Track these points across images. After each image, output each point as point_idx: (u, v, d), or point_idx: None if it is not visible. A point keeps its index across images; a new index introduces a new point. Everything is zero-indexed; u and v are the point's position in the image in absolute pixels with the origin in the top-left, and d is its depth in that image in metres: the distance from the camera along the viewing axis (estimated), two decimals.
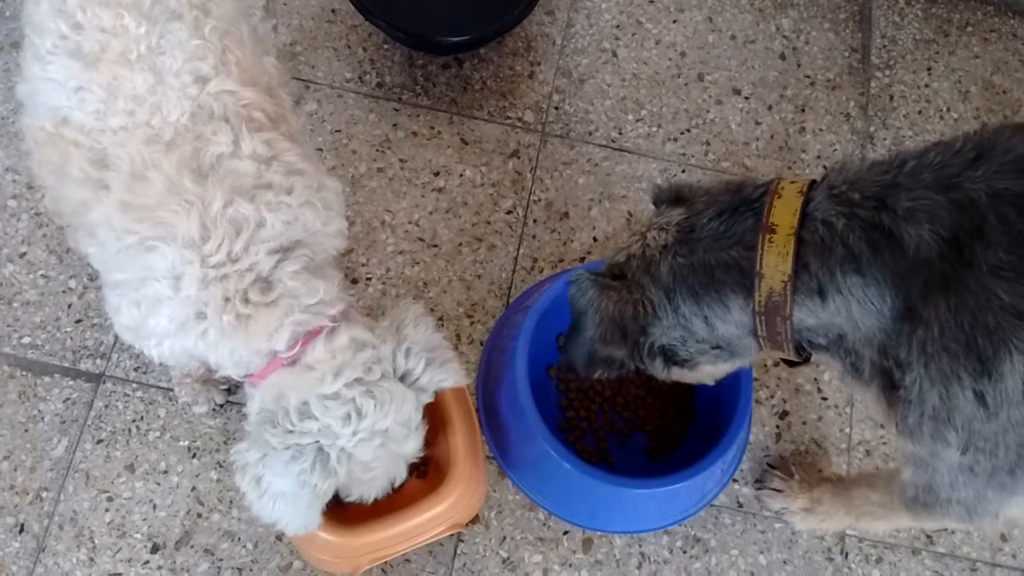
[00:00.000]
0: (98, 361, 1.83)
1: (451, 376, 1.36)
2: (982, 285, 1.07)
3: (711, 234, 1.23)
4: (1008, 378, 1.08)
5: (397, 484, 1.44)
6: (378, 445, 1.28)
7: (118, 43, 1.21)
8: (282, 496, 1.25)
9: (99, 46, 1.21)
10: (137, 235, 1.19)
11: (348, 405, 1.23)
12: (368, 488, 1.38)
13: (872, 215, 1.13)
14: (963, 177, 1.11)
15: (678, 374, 1.39)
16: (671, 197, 1.35)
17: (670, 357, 1.33)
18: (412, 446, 1.35)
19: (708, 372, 1.40)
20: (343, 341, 1.27)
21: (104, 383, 1.82)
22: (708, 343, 1.29)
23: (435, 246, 2.02)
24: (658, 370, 1.36)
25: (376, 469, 1.32)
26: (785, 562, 1.80)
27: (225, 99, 1.25)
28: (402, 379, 1.31)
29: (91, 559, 1.69)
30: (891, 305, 1.13)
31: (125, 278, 1.23)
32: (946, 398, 1.13)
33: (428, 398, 1.36)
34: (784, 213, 1.18)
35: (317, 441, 1.24)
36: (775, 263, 1.17)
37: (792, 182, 1.22)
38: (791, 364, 1.36)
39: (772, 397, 1.94)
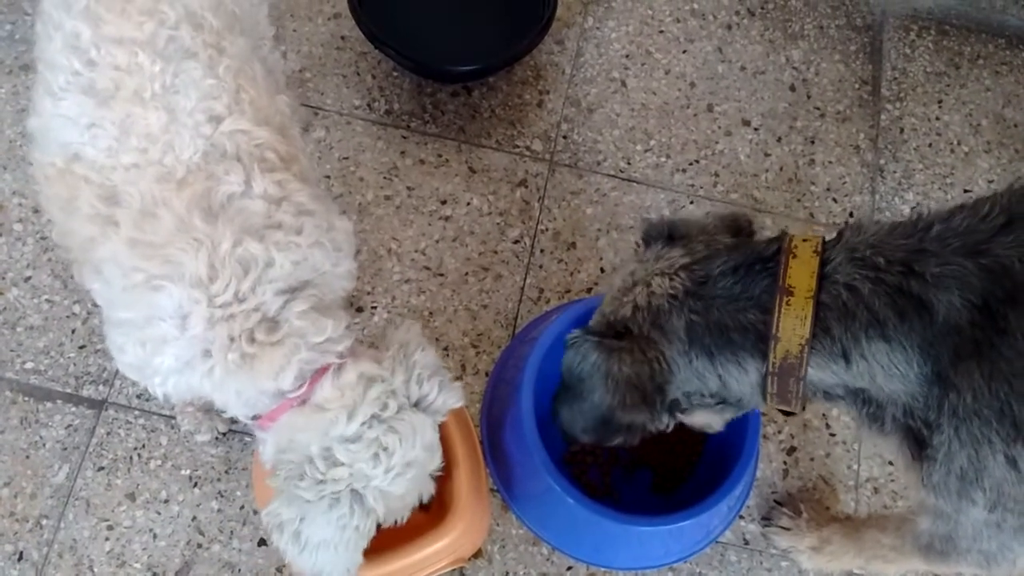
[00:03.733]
0: (101, 388, 1.82)
1: (455, 396, 1.37)
2: (1017, 352, 1.06)
3: (725, 293, 1.21)
4: None
5: (426, 500, 1.43)
6: (411, 477, 1.29)
7: (132, 81, 1.21)
8: (324, 544, 1.25)
9: (113, 84, 1.21)
10: (144, 273, 1.18)
11: (373, 445, 1.23)
12: (401, 511, 1.37)
13: (899, 280, 1.12)
14: (993, 243, 1.10)
15: (678, 420, 1.37)
16: (663, 234, 1.32)
17: (674, 408, 1.31)
18: (437, 462, 1.37)
19: (706, 419, 1.38)
20: (351, 377, 1.26)
21: (106, 410, 1.81)
22: (716, 397, 1.28)
23: (441, 275, 2.01)
24: (663, 423, 1.34)
25: (409, 495, 1.33)
26: None
27: (238, 138, 1.24)
28: (416, 404, 1.31)
29: None
30: (917, 371, 1.12)
31: (130, 317, 1.22)
32: (975, 460, 1.13)
33: (441, 418, 1.36)
34: (801, 275, 1.16)
35: (350, 485, 1.24)
36: (792, 326, 1.15)
37: (804, 239, 1.21)
38: (786, 413, 1.35)
39: (779, 433, 1.92)
